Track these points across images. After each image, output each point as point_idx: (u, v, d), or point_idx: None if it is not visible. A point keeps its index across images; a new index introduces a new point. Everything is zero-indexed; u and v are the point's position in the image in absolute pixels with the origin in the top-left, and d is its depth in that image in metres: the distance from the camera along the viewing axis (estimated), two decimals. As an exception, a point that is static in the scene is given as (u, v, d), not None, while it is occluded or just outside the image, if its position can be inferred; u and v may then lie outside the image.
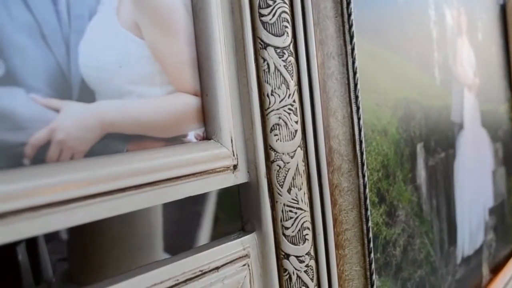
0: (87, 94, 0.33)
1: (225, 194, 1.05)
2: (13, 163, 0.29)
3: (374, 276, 0.50)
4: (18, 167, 0.29)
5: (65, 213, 0.30)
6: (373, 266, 0.50)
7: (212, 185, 0.40)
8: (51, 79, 0.31)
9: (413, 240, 0.64)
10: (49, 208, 0.29)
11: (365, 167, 0.49)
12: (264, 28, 0.43)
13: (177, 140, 0.38)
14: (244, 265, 0.41)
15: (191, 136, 0.40)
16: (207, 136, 0.40)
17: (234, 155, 0.41)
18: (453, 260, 0.77)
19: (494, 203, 0.96)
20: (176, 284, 0.36)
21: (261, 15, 0.42)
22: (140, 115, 0.36)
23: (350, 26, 0.48)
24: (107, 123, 0.34)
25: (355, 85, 0.48)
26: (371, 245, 0.50)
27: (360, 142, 0.49)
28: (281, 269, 0.44)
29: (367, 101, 0.54)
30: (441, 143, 0.74)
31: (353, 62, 0.48)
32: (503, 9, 1.06)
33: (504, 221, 1.01)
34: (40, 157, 0.30)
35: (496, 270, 0.94)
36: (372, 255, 0.50)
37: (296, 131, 0.45)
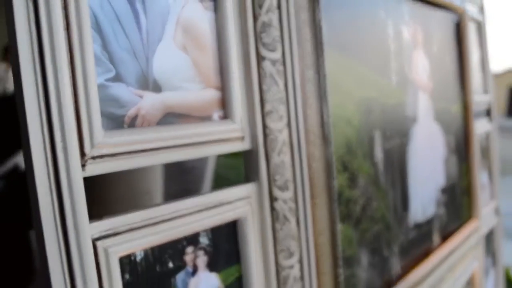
0: (157, 88, 0.54)
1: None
2: (118, 127, 0.50)
3: (337, 219, 0.72)
4: (121, 129, 0.50)
5: (145, 156, 0.51)
6: (337, 212, 0.72)
7: (228, 148, 0.62)
8: (138, 78, 0.52)
9: (371, 202, 0.86)
10: (137, 153, 0.51)
11: (332, 144, 0.71)
12: (263, 47, 0.64)
13: (207, 118, 0.60)
14: (248, 202, 0.63)
15: (215, 116, 0.61)
16: (224, 117, 0.62)
17: (242, 130, 0.63)
18: (406, 223, 1.00)
19: (445, 184, 1.18)
20: (206, 209, 0.57)
21: (261, 38, 0.64)
22: (187, 102, 0.57)
23: (322, 45, 0.70)
24: (168, 105, 0.55)
25: (325, 87, 0.70)
26: (335, 197, 0.72)
27: (328, 126, 0.71)
28: (272, 208, 0.66)
29: (336, 99, 0.76)
30: (396, 132, 0.96)
31: (323, 71, 0.70)
32: (458, 26, 1.29)
33: (455, 200, 1.24)
34: (132, 124, 0.52)
35: (445, 238, 1.17)
36: (335, 204, 0.72)
37: (283, 116, 0.66)
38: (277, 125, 0.66)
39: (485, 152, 1.54)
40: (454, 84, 1.26)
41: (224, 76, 0.62)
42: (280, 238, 0.66)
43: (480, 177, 1.47)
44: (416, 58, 1.06)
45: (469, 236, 1.28)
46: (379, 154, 0.89)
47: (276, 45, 0.66)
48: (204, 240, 0.58)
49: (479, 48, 1.55)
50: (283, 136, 0.66)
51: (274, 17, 0.65)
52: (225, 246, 0.61)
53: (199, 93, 0.59)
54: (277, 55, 0.66)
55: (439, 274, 1.11)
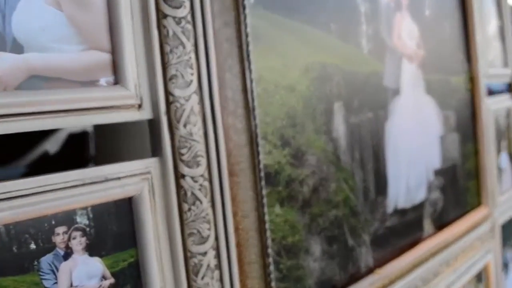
0: (17, 48, 0.48)
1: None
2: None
3: (264, 200, 0.63)
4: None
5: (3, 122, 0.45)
6: (263, 192, 0.63)
7: (119, 117, 0.54)
8: (-11, 36, 0.46)
9: (327, 183, 0.76)
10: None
11: (256, 111, 0.61)
12: (165, 2, 0.56)
13: (90, 84, 0.53)
14: (144, 179, 0.55)
15: (102, 82, 0.54)
16: (115, 83, 0.55)
17: (138, 97, 0.55)
18: (382, 209, 0.88)
19: (442, 166, 1.04)
20: (82, 185, 0.51)
21: (162, -9, 0.56)
22: (57, 64, 0.50)
23: (243, 0, 0.61)
24: (31, 68, 0.49)
25: (247, 46, 0.61)
26: (262, 174, 0.62)
27: (251, 91, 0.61)
28: (178, 186, 0.58)
29: (273, 62, 0.66)
30: (368, 104, 0.84)
31: (245, 29, 0.61)
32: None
33: (456, 184, 1.09)
34: (-21, 86, 0.46)
35: (442, 227, 1.03)
36: (262, 183, 0.63)
37: (191, 81, 0.58)
38: (183, 92, 0.57)
39: (505, 132, 1.36)
40: (456, 53, 1.11)
41: (114, 37, 0.54)
42: (188, 220, 0.58)
43: (498, 160, 1.30)
44: (400, 22, 0.92)
45: (477, 225, 1.13)
46: (340, 128, 0.78)
47: (182, 1, 0.57)
48: (82, 220, 0.52)
49: (497, 16, 1.36)
50: (191, 104, 0.58)
51: (177, -34, 0.57)
52: (113, 227, 0.54)
53: (78, 55, 0.52)
54: (183, 12, 0.57)
55: (431, 267, 0.98)
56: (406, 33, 0.95)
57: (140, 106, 0.56)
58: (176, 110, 0.57)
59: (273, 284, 0.64)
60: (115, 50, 0.54)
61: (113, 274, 0.53)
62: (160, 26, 0.56)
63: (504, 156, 1.34)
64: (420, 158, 0.98)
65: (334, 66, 0.77)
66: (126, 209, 0.55)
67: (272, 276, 0.63)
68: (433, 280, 0.99)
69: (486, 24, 1.28)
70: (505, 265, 1.33)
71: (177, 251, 0.58)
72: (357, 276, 0.81)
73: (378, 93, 0.87)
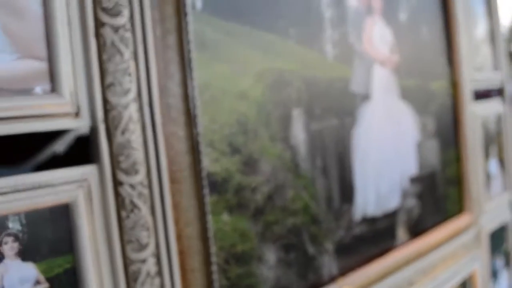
0: None
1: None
2: None
3: (207, 208, 0.62)
4: None
5: None
6: (206, 199, 0.62)
7: (55, 125, 0.55)
8: None
9: (284, 191, 0.75)
10: None
11: (198, 119, 0.61)
12: (102, 11, 0.57)
13: (25, 92, 0.54)
14: (80, 186, 0.56)
15: (38, 90, 0.55)
16: (51, 91, 0.55)
17: (74, 105, 0.56)
18: (348, 216, 0.86)
19: (418, 173, 1.01)
20: (14, 191, 0.51)
21: (100, 2, 0.56)
22: (-13, 73, 0.51)
23: (185, 7, 0.60)
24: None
25: (189, 54, 0.61)
26: (205, 182, 0.62)
27: (193, 99, 0.61)
28: (116, 193, 0.58)
29: (221, 69, 0.66)
30: (333, 110, 0.83)
31: (187, 36, 0.61)
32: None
33: (434, 191, 1.06)
34: None
35: (418, 235, 1.01)
36: (206, 190, 0.62)
37: (129, 89, 0.58)
38: (121, 100, 0.58)
39: (495, 137, 1.32)
40: (437, 58, 1.08)
41: (49, 45, 0.55)
42: (127, 228, 0.58)
43: (486, 166, 1.26)
44: (370, 27, 0.91)
45: (458, 233, 1.10)
46: (299, 136, 0.77)
47: (121, 9, 0.58)
48: (15, 226, 0.52)
49: (487, 18, 1.32)
50: (129, 111, 0.58)
51: (115, -24, 0.57)
52: (48, 233, 0.55)
53: (12, 64, 0.53)
54: (121, 20, 0.58)
55: (406, 276, 0.96)
56: (378, 37, 0.93)
57: (77, 114, 0.56)
58: (113, 118, 0.57)
59: (218, 292, 0.63)
60: (51, 59, 0.55)
61: (48, 280, 0.54)
62: (98, 35, 0.57)
63: (493, 162, 1.30)
64: (393, 165, 0.96)
65: (293, 72, 0.76)
66: (62, 215, 0.55)
67: (216, 284, 0.63)
68: (407, 289, 0.97)
69: (473, 27, 1.24)
70: (495, 273, 1.30)
71: (116, 258, 0.58)
72: (319, 285, 0.80)
73: (344, 99, 0.86)
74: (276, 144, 0.74)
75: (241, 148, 0.69)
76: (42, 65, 0.55)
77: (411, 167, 1.00)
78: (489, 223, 1.25)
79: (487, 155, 1.26)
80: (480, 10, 1.30)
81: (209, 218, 0.62)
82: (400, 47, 0.98)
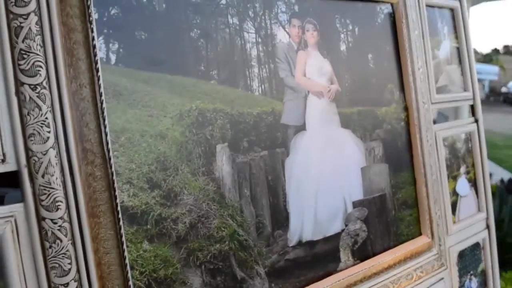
0: None
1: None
2: None
3: (123, 238, 0.71)
4: None
5: None
6: (122, 231, 0.71)
7: (-17, 171, 0.66)
8: None
9: (208, 220, 0.82)
10: None
11: (112, 160, 0.70)
12: (21, 72, 0.67)
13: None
14: (7, 221, 0.66)
15: (-31, 143, 0.66)
16: (-21, 143, 0.66)
17: (1, 153, 0.67)
18: (282, 242, 0.92)
19: (364, 197, 1.05)
20: None
21: (19, 65, 0.67)
22: None
23: (97, 63, 0.70)
24: None
25: (101, 104, 0.70)
26: (119, 216, 0.71)
27: (107, 143, 0.70)
28: (40, 227, 0.68)
29: (137, 114, 0.75)
30: (262, 142, 0.90)
31: (99, 89, 0.70)
32: (392, 17, 1.13)
33: (384, 214, 1.09)
34: None
35: (366, 258, 1.04)
36: (121, 223, 0.71)
37: (48, 137, 0.68)
38: (40, 148, 0.68)
39: (465, 157, 1.32)
40: (384, 84, 1.12)
41: (-22, 107, 0.66)
42: (50, 256, 0.68)
43: (454, 186, 1.27)
44: (302, 60, 0.97)
45: (414, 255, 1.12)
46: (224, 168, 0.85)
47: (37, 70, 0.68)
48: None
49: (453, 38, 1.34)
50: (48, 157, 0.68)
51: (33, 44, 0.68)
52: (-22, 262, 0.65)
53: None
54: (38, 79, 0.68)
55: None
56: (315, 69, 0.99)
57: (3, 160, 0.67)
58: (35, 163, 0.67)
59: (137, 313, 0.71)
60: (-21, 117, 0.66)
61: (-21, 304, 0.64)
62: (18, 93, 0.67)
63: (463, 182, 1.30)
64: (333, 191, 1.01)
65: (216, 111, 0.84)
66: (-4, 246, 0.66)
67: (132, 305, 0.71)
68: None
69: (436, 48, 1.27)
70: (468, 294, 1.29)
71: (42, 282, 0.67)
72: (250, 306, 0.86)
73: (275, 131, 0.92)
74: (198, 178, 0.81)
75: (161, 184, 0.77)
76: (-27, 122, 0.66)
77: (356, 191, 1.04)
78: (458, 244, 1.25)
79: (454, 176, 1.27)
80: (444, 31, 1.32)
81: (125, 247, 0.71)
82: (343, 76, 1.03)
